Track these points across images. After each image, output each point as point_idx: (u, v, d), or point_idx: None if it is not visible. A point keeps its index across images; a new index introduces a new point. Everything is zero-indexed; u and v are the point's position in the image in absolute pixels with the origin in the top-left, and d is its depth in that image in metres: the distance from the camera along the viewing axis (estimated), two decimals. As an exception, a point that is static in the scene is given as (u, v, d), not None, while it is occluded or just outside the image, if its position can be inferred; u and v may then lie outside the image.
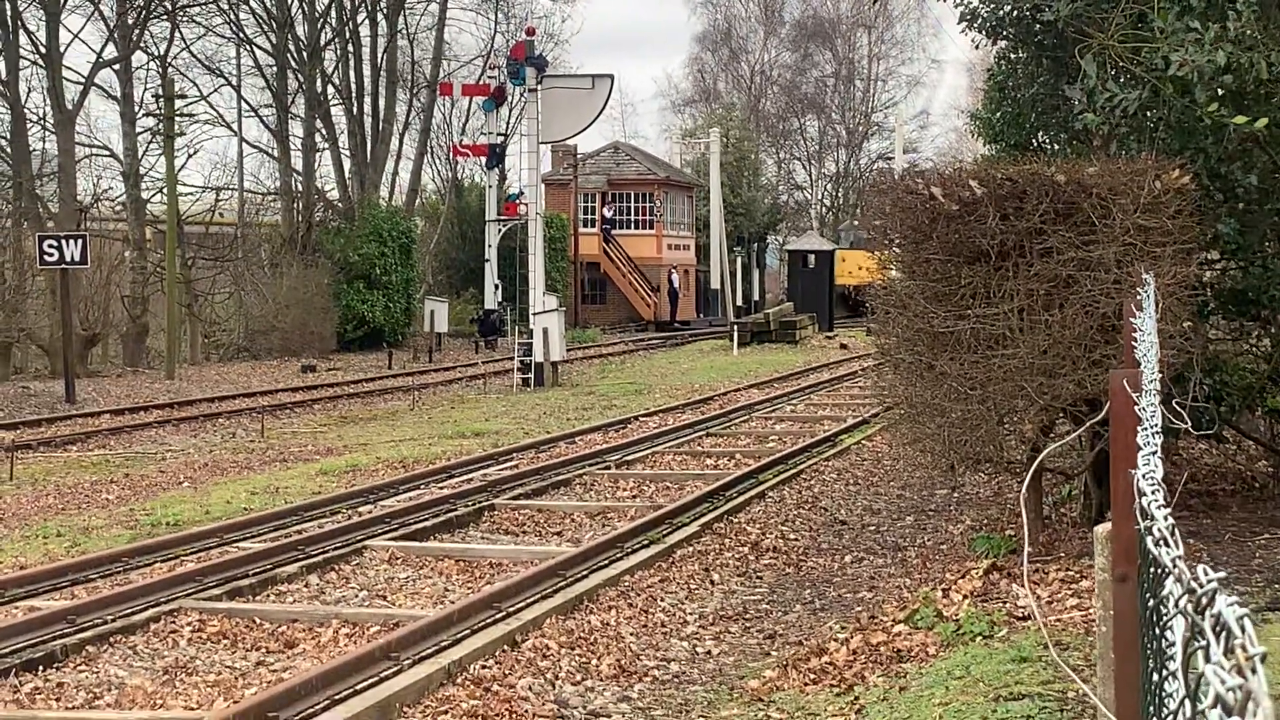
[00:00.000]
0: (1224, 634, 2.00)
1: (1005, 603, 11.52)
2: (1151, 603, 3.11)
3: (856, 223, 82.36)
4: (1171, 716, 2.50)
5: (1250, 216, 14.97)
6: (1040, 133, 18.02)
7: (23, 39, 48.10)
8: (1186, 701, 2.24)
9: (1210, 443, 16.82)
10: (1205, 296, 14.96)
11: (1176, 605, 2.42)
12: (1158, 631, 2.91)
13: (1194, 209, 13.23)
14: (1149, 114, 13.91)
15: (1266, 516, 14.32)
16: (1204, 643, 2.09)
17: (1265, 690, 1.74)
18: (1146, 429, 4.96)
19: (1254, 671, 1.80)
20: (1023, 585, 11.16)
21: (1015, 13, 15.04)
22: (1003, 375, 12.72)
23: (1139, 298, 9.40)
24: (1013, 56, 17.85)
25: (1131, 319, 8.58)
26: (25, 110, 48.23)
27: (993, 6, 15.56)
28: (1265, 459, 16.85)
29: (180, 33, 55.84)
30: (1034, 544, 12.46)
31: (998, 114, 18.47)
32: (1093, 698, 6.54)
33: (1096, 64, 13.30)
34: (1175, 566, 2.51)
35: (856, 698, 9.92)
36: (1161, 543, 2.77)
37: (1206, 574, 2.26)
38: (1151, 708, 3.12)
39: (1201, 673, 2.02)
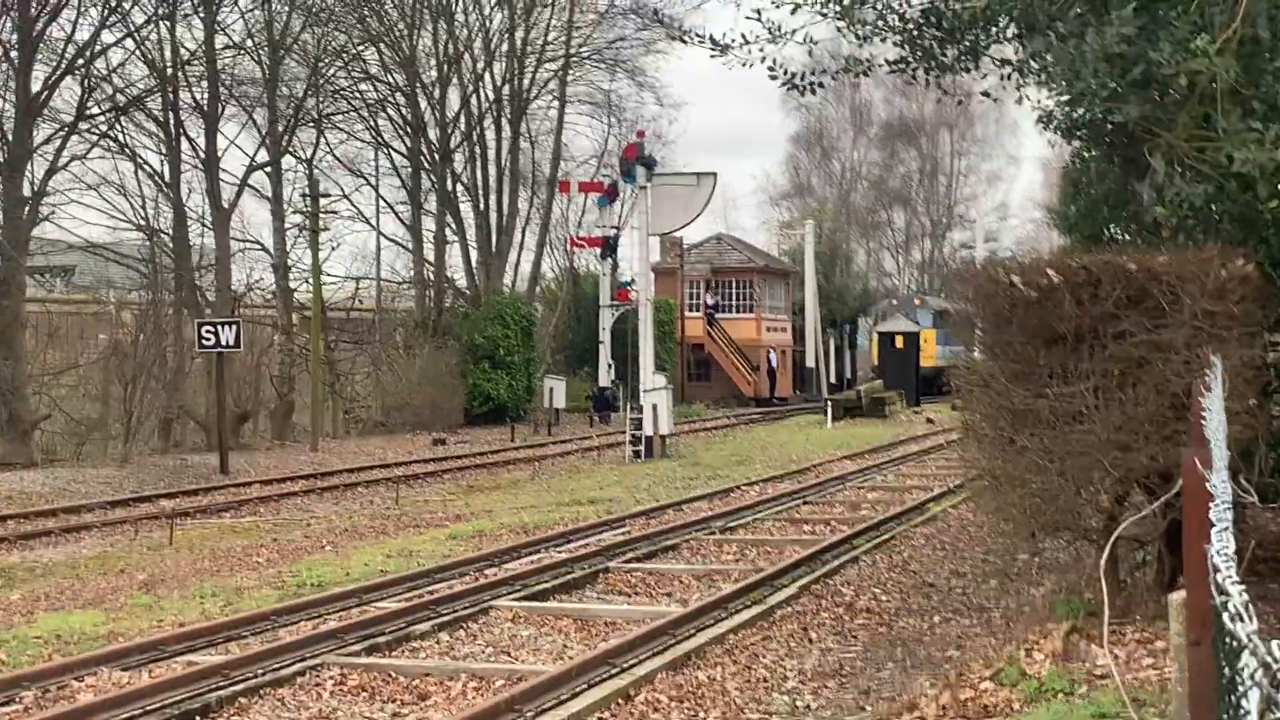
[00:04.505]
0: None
1: (1085, 662, 11.35)
2: (1228, 672, 3.07)
3: (894, 301, 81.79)
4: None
5: (1310, 302, 14.74)
6: (1112, 225, 17.86)
7: (185, 145, 49.01)
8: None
9: (1276, 512, 16.53)
10: (1270, 376, 14.73)
11: (1252, 678, 2.38)
12: (1234, 700, 2.86)
13: (1258, 295, 13.05)
14: (1214, 207, 13.76)
15: (1330, 582, 14.02)
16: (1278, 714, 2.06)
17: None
18: (1218, 504, 4.88)
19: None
20: (1101, 646, 10.99)
21: (1088, 115, 14.94)
22: (1080, 449, 12.57)
23: (1207, 378, 9.29)
24: (1086, 155, 17.73)
25: (1200, 398, 8.47)
26: (187, 209, 49.07)
27: (1067, 109, 15.47)
28: (1328, 528, 16.52)
29: (325, 138, 56.72)
30: (1110, 607, 12.27)
31: (1072, 208, 18.33)
32: (1169, 754, 6.43)
33: (1165, 162, 13.20)
34: (1251, 641, 2.47)
35: (946, 750, 9.79)
36: (1237, 618, 2.73)
37: (1281, 650, 2.23)
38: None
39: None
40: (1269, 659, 2.23)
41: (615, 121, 70.61)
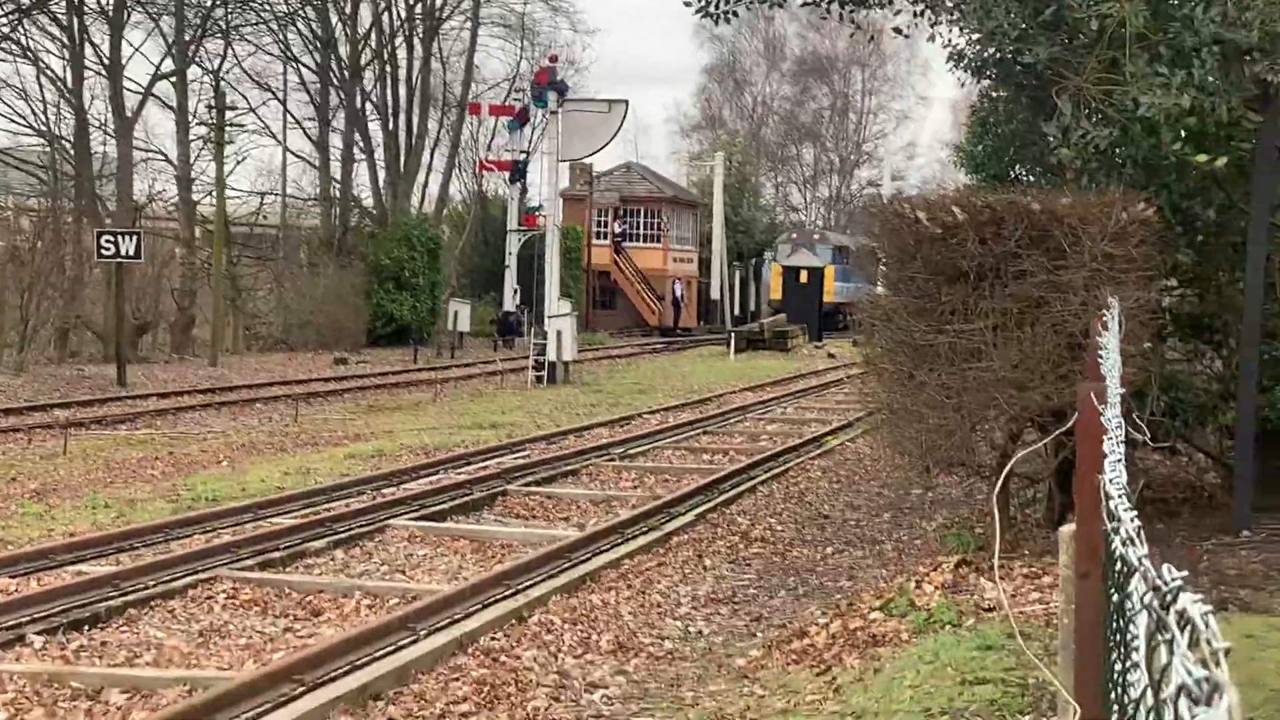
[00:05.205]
0: (1188, 628, 1.96)
1: (973, 595, 11.47)
2: (1116, 598, 3.08)
3: (794, 235, 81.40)
4: (1134, 704, 2.46)
5: (1207, 248, 14.96)
6: (1018, 165, 17.99)
7: (88, 50, 48.06)
8: (1149, 690, 2.20)
9: (1165, 454, 16.78)
10: (1164, 320, 14.93)
11: (1142, 601, 2.38)
12: (1122, 624, 2.87)
13: (1156, 239, 13.18)
14: (1118, 151, 13.88)
15: (1214, 524, 14.28)
16: (1168, 636, 2.05)
17: (1229, 682, 1.71)
18: (1112, 438, 4.91)
19: (1218, 664, 1.76)
20: (991, 579, 11.11)
21: (998, 55, 15.00)
22: (977, 386, 12.67)
23: (1104, 319, 9.36)
24: (995, 95, 17.82)
25: (1097, 338, 8.53)
26: (88, 116, 48.19)
27: (978, 48, 15.52)
28: (1214, 471, 16.81)
29: (233, 50, 55.71)
30: (1001, 542, 12.41)
31: (979, 147, 18.44)
32: (1055, 683, 6.51)
33: (1072, 104, 13.27)
34: (1141, 564, 2.47)
35: (834, 678, 9.87)
36: (1129, 542, 2.73)
37: (1171, 573, 2.22)
38: (1114, 694, 3.09)
39: (1166, 664, 1.98)
40: (1159, 583, 2.22)
41: (528, 46, 70.10)
